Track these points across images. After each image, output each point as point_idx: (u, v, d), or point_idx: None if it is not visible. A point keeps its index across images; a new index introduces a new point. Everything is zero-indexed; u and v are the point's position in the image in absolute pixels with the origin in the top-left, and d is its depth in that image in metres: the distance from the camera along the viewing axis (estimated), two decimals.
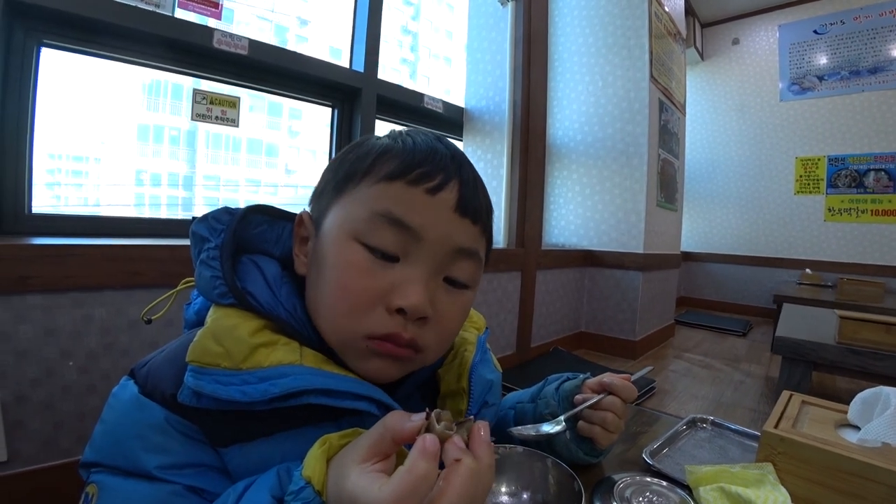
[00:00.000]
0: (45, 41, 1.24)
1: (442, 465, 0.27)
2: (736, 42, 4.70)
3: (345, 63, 1.95)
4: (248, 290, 0.39)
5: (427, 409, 0.30)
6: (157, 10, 1.37)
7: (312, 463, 0.29)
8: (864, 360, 1.55)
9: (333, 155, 1.69)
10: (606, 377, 0.54)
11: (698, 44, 4.69)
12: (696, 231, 4.92)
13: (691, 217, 4.89)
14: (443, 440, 0.28)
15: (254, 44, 1.57)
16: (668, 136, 3.08)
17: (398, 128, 0.45)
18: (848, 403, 0.54)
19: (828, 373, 1.85)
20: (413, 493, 0.25)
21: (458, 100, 2.60)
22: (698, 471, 0.47)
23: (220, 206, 0.43)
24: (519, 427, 0.51)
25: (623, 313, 2.86)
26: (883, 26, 3.92)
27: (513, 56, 2.48)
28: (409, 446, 0.27)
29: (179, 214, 1.60)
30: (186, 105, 1.47)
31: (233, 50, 1.52)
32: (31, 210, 1.23)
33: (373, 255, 0.38)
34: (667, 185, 3.11)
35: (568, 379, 0.58)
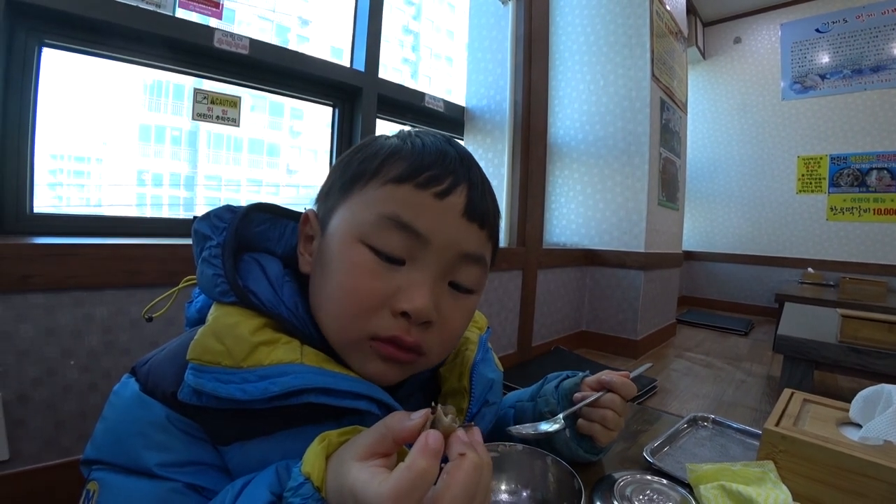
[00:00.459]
0: (46, 41, 1.24)
1: (445, 459, 0.27)
2: (738, 41, 4.68)
3: (346, 62, 1.96)
4: (249, 289, 0.39)
5: (432, 404, 0.30)
6: (158, 10, 1.37)
7: (312, 459, 0.29)
8: (866, 358, 1.54)
9: (335, 155, 1.68)
10: (605, 375, 0.54)
11: (700, 42, 4.68)
12: (698, 230, 4.91)
13: (693, 216, 4.88)
14: (448, 434, 0.28)
15: (255, 43, 1.57)
16: (669, 134, 3.08)
17: (399, 128, 0.45)
18: (850, 402, 0.54)
19: (829, 372, 1.85)
20: (412, 490, 0.25)
21: (460, 99, 2.59)
22: (699, 469, 0.47)
23: (222, 205, 0.43)
24: (518, 426, 0.51)
25: (624, 312, 2.85)
26: (885, 24, 3.91)
27: (514, 55, 2.48)
28: (411, 446, 0.27)
29: (181, 214, 1.61)
30: (188, 105, 1.47)
31: (234, 49, 1.52)
32: (32, 210, 1.23)
33: (379, 257, 0.38)
34: (668, 184, 3.10)
35: (567, 377, 0.58)
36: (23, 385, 0.99)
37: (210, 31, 1.47)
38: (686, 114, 3.52)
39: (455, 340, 0.44)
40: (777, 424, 0.49)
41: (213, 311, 0.38)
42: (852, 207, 4.06)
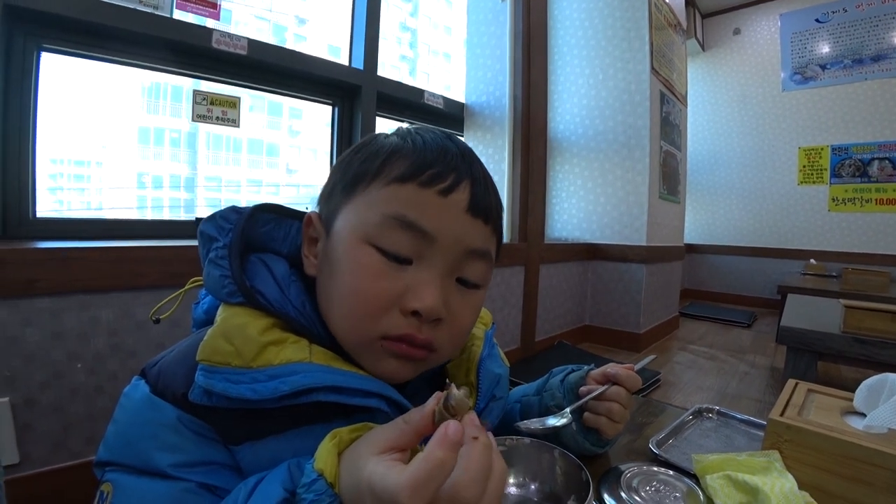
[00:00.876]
0: (44, 45, 1.24)
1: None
2: (737, 32, 4.66)
3: (344, 61, 1.95)
4: (256, 289, 0.39)
5: (447, 381, 0.30)
6: (156, 12, 1.37)
7: (324, 455, 0.30)
8: (870, 349, 1.54)
9: (335, 153, 1.68)
10: (610, 368, 0.55)
11: (699, 34, 4.66)
12: (700, 223, 4.91)
13: (694, 209, 4.87)
14: (462, 411, 0.28)
15: (253, 43, 1.57)
16: (669, 127, 3.07)
17: (399, 125, 0.45)
18: (854, 391, 0.54)
19: (833, 362, 1.85)
20: (430, 480, 0.25)
21: (459, 95, 2.59)
22: (705, 459, 0.48)
23: (227, 206, 0.43)
24: (525, 421, 0.51)
25: (627, 306, 2.86)
26: (885, 13, 3.88)
27: (512, 50, 2.47)
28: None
29: (182, 216, 1.61)
30: (186, 107, 1.47)
31: (232, 50, 1.52)
32: (35, 214, 1.24)
33: (386, 257, 0.38)
34: (669, 178, 3.10)
35: (572, 371, 0.59)
36: (30, 389, 0.99)
37: (208, 31, 1.47)
38: (686, 106, 3.51)
39: (465, 336, 0.44)
40: (782, 414, 0.50)
41: (222, 312, 0.38)
42: (854, 198, 4.05)
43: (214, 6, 1.49)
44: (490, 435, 0.29)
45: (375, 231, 0.38)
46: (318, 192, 0.46)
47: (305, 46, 1.72)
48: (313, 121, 2.05)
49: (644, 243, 2.78)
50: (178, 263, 1.14)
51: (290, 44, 1.73)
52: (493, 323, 0.57)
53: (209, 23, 1.50)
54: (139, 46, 1.38)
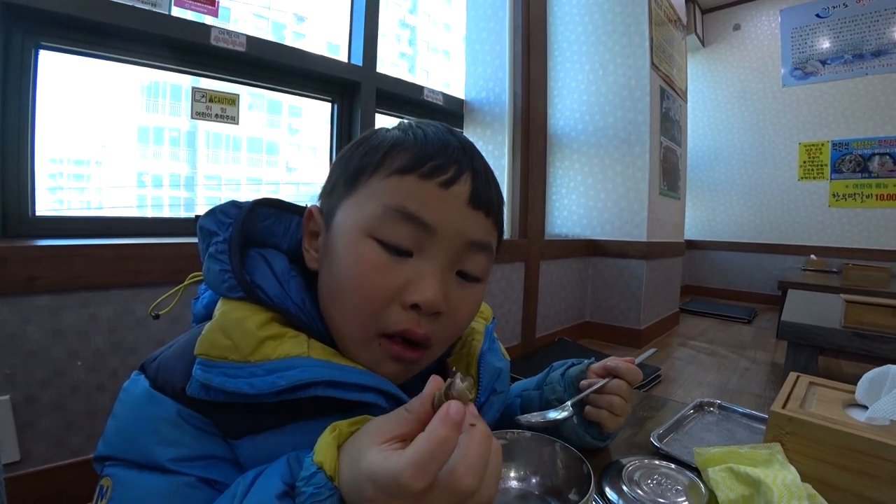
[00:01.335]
0: (42, 43, 1.24)
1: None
2: (737, 28, 4.65)
3: (343, 57, 1.95)
4: (256, 284, 0.39)
5: (453, 369, 0.30)
6: (154, 9, 1.36)
7: (323, 448, 0.29)
8: (871, 343, 1.54)
9: (334, 151, 1.68)
10: (610, 361, 0.54)
11: (699, 30, 4.65)
12: (700, 219, 4.90)
13: (694, 205, 4.87)
14: (462, 402, 0.28)
15: (251, 40, 1.56)
16: (669, 123, 3.06)
17: (398, 122, 0.44)
18: (855, 385, 0.54)
19: (833, 357, 1.85)
20: (432, 460, 0.25)
21: (458, 93, 2.59)
22: (706, 452, 0.47)
23: (226, 201, 0.43)
24: (526, 415, 0.51)
25: (627, 302, 2.85)
26: (886, 8, 3.87)
27: (512, 46, 2.47)
28: None
29: (182, 215, 1.61)
30: (186, 105, 1.47)
31: (230, 47, 1.52)
32: (34, 213, 1.23)
33: (386, 250, 0.37)
34: (669, 173, 3.09)
35: (573, 365, 0.58)
36: (31, 387, 0.99)
37: (206, 28, 1.47)
38: (686, 102, 3.50)
39: (462, 330, 0.44)
40: (783, 407, 0.49)
41: (221, 307, 0.38)
42: (854, 193, 4.04)
43: (212, 2, 1.49)
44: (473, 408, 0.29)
45: (376, 223, 0.38)
46: (317, 190, 0.46)
47: (304, 44, 1.71)
48: (313, 119, 2.05)
49: (644, 239, 2.77)
50: (177, 260, 1.14)
51: (290, 41, 1.73)
52: (494, 317, 0.56)
53: (207, 20, 1.50)
54: (137, 44, 1.38)
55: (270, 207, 0.45)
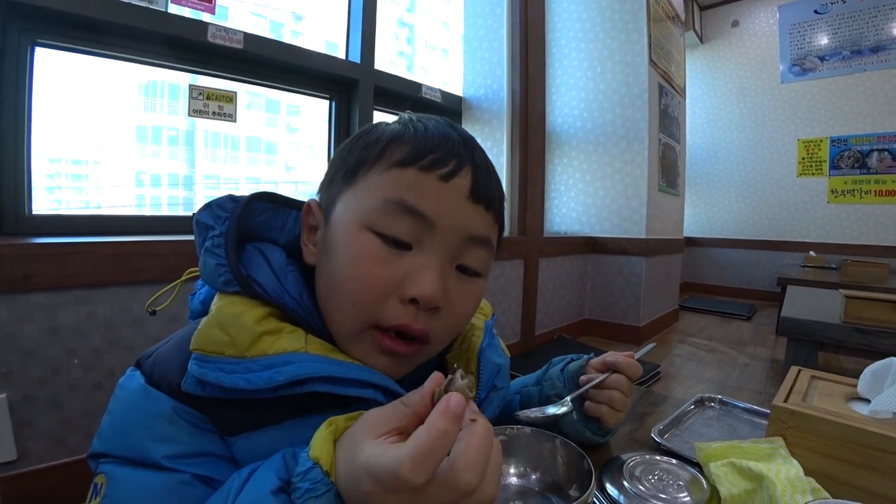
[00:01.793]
0: (38, 40, 1.23)
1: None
2: (735, 24, 4.65)
3: (341, 55, 1.94)
4: (253, 278, 0.38)
5: (454, 366, 0.29)
6: (151, 6, 1.36)
7: (320, 444, 0.29)
8: (871, 338, 1.54)
9: (333, 148, 1.67)
10: (610, 356, 0.54)
11: (697, 27, 4.64)
12: (699, 216, 4.90)
13: (693, 202, 4.87)
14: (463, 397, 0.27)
15: (249, 37, 1.55)
16: (668, 120, 3.06)
17: (400, 115, 0.44)
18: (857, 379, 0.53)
19: (833, 353, 1.84)
20: (431, 453, 0.24)
21: (456, 91, 2.58)
22: (708, 447, 0.47)
23: (223, 195, 0.42)
24: (526, 410, 0.50)
25: (627, 299, 2.85)
26: (884, 4, 3.87)
27: (510, 43, 2.46)
28: None
29: (180, 213, 1.60)
30: (183, 104, 1.46)
31: (228, 44, 1.51)
32: (31, 211, 1.23)
33: (385, 243, 0.37)
34: (668, 170, 3.09)
35: (572, 360, 0.58)
36: (28, 385, 0.99)
37: (203, 25, 1.46)
38: (685, 99, 3.50)
39: (461, 326, 0.44)
40: (786, 401, 0.49)
41: (217, 301, 0.37)
42: (853, 189, 4.05)
43: (209, 0, 1.48)
44: (473, 405, 0.29)
45: (375, 216, 0.37)
46: (316, 188, 0.45)
47: (302, 42, 1.71)
48: (311, 118, 2.04)
49: (643, 236, 2.77)
50: (174, 258, 1.13)
51: (288, 40, 1.72)
52: (493, 314, 0.56)
53: (205, 17, 1.49)
54: (135, 41, 1.37)
55: (268, 201, 0.45)
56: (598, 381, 0.52)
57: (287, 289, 0.40)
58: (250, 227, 0.43)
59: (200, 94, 1.46)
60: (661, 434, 0.58)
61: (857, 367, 0.52)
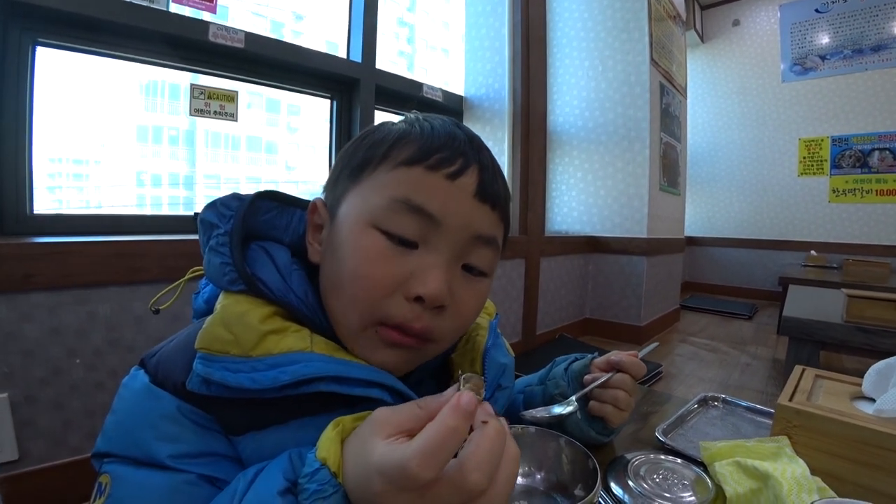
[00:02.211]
0: (40, 40, 1.23)
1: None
2: (736, 23, 4.64)
3: (342, 54, 1.94)
4: (258, 277, 0.38)
5: (459, 372, 0.29)
6: (152, 6, 1.36)
7: (327, 444, 0.29)
8: (873, 338, 1.53)
9: (334, 148, 1.66)
10: (614, 355, 0.54)
11: (698, 26, 4.64)
12: (700, 215, 4.90)
13: (694, 201, 4.86)
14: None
15: (250, 36, 1.55)
16: (669, 119, 3.06)
17: (397, 119, 0.44)
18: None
19: (835, 352, 1.84)
20: (440, 450, 0.24)
21: (458, 90, 2.58)
22: (713, 447, 0.47)
23: (228, 193, 0.42)
24: (531, 410, 0.50)
25: (628, 299, 2.85)
26: (886, 3, 3.86)
27: (511, 42, 2.46)
28: None
29: (181, 213, 1.60)
30: (184, 104, 1.46)
31: (229, 43, 1.51)
32: (32, 211, 1.23)
33: (391, 241, 0.37)
34: (669, 170, 3.09)
35: (576, 359, 0.58)
36: (29, 385, 0.99)
37: (205, 25, 1.46)
38: (686, 98, 3.49)
39: (467, 325, 0.43)
40: (790, 400, 0.49)
41: (222, 300, 0.37)
42: (854, 189, 4.04)
43: None
44: (503, 420, 0.28)
45: (381, 214, 0.37)
46: (317, 188, 0.45)
47: (303, 42, 1.71)
48: (312, 117, 2.04)
49: (644, 235, 2.77)
50: (175, 257, 1.13)
51: (288, 40, 1.72)
52: (497, 314, 0.56)
53: (206, 16, 1.49)
54: (136, 40, 1.37)
55: (272, 200, 0.45)
56: (602, 380, 0.52)
57: (292, 287, 0.40)
58: (255, 226, 0.43)
59: (202, 93, 1.46)
60: (665, 433, 0.58)
61: (859, 367, 0.52)
